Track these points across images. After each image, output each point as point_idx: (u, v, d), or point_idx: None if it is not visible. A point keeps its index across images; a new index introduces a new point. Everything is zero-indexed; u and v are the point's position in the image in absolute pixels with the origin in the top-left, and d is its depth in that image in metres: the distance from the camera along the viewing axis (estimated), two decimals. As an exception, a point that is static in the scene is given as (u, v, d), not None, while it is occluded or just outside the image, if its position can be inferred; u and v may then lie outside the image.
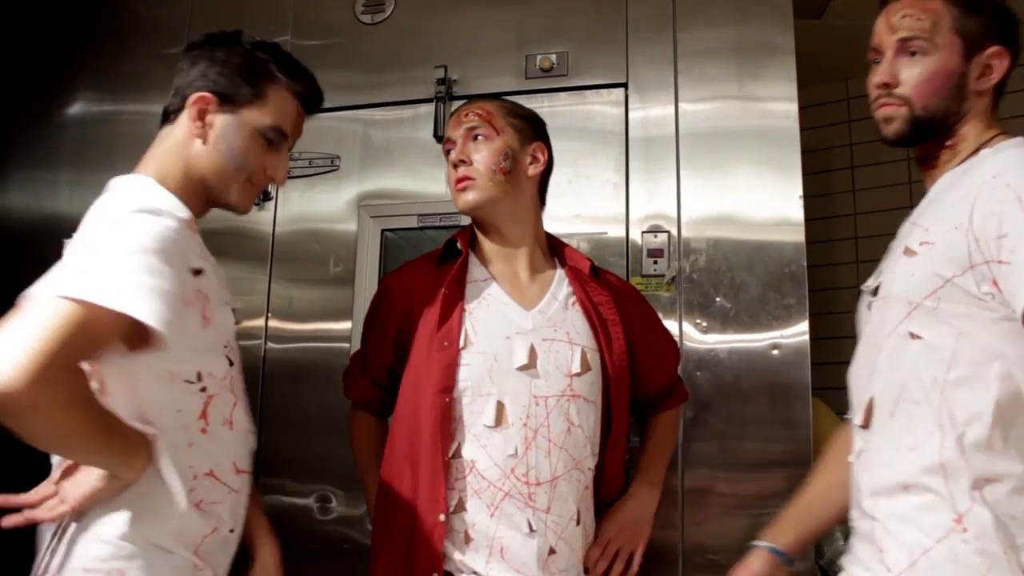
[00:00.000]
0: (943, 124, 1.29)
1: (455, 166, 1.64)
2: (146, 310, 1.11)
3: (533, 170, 1.69)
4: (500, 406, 1.51)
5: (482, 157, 1.62)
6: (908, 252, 1.24)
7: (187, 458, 1.28)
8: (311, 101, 1.49)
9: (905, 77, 1.29)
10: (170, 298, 1.16)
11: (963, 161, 1.29)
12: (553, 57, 2.43)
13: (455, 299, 1.58)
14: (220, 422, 1.34)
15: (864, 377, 1.29)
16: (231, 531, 1.36)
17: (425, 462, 1.48)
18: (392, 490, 1.54)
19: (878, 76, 1.31)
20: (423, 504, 1.47)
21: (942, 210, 1.23)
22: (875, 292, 1.33)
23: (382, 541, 1.54)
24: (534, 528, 1.47)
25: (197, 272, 1.31)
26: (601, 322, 1.62)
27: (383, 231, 2.48)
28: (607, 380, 1.60)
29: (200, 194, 1.39)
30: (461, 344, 1.54)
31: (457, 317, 1.55)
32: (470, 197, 1.62)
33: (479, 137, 1.63)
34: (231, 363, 1.38)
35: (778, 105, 2.21)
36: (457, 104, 2.45)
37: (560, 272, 1.69)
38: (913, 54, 1.29)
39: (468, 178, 1.61)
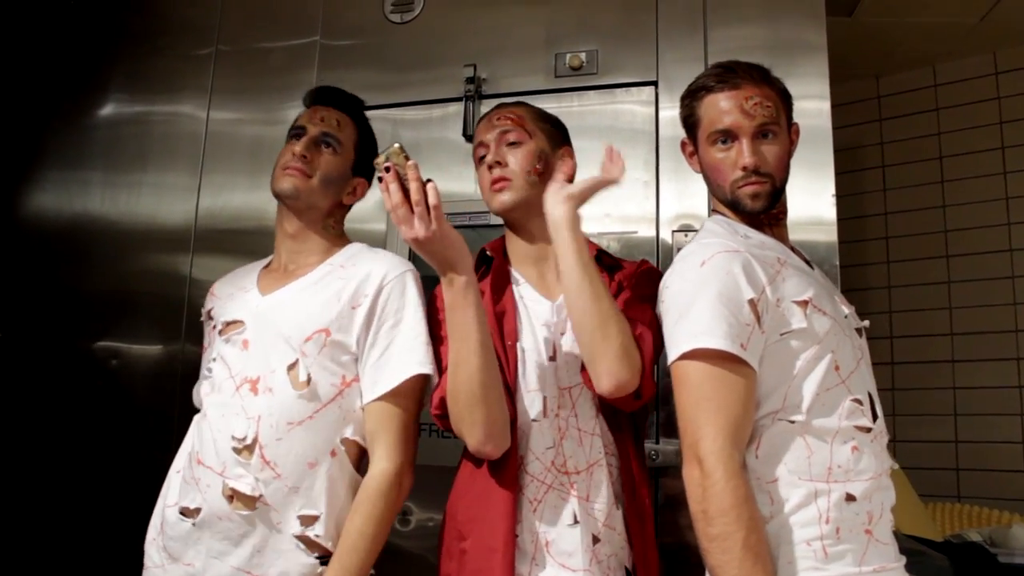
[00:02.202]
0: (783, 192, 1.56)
1: (490, 168, 1.65)
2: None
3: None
4: (544, 400, 1.53)
5: (516, 159, 1.64)
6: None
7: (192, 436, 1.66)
8: (310, 95, 1.80)
9: (765, 158, 1.49)
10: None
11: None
12: (583, 55, 2.43)
13: (502, 298, 1.61)
14: (202, 416, 1.63)
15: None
16: (183, 515, 1.55)
17: (512, 461, 1.49)
18: (465, 497, 1.56)
19: (748, 159, 1.47)
20: (510, 506, 1.47)
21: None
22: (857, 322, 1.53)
23: (456, 543, 1.55)
24: (578, 519, 1.48)
25: (209, 315, 1.76)
26: None
27: (412, 230, 2.48)
28: None
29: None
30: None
31: (512, 313, 1.58)
32: (506, 198, 1.63)
33: (512, 140, 1.66)
34: (210, 372, 1.66)
35: (810, 103, 2.18)
36: (487, 103, 2.47)
37: None
38: (766, 136, 1.49)
39: (504, 179, 1.63)
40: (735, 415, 1.33)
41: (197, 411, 1.79)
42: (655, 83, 2.36)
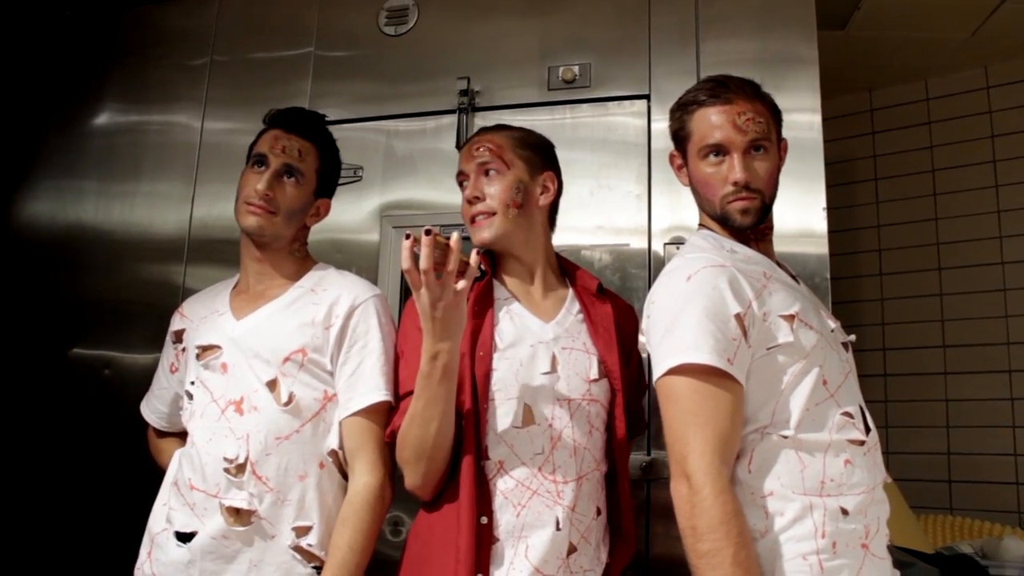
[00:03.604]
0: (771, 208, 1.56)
1: (469, 202, 1.69)
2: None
3: (544, 200, 1.73)
4: (527, 408, 1.54)
5: (495, 192, 1.66)
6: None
7: (176, 466, 1.68)
8: (274, 118, 1.77)
9: (756, 173, 1.50)
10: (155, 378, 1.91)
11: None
12: (576, 68, 2.44)
13: (483, 313, 1.62)
14: (190, 443, 1.66)
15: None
16: (180, 540, 1.57)
17: (469, 468, 1.50)
18: (431, 502, 1.57)
19: (739, 174, 1.48)
20: (470, 510, 1.48)
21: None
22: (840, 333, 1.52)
23: (422, 552, 1.56)
24: (560, 526, 1.50)
25: (178, 336, 1.80)
26: (605, 336, 1.67)
27: (405, 241, 2.49)
28: (613, 389, 1.65)
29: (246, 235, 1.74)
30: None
31: (488, 328, 1.59)
32: (486, 235, 1.66)
33: (491, 172, 1.68)
34: (191, 397, 1.69)
35: (801, 116, 2.20)
36: (480, 115, 2.48)
37: (571, 291, 1.74)
38: (758, 150, 1.50)
39: (483, 214, 1.66)
40: (722, 430, 1.32)
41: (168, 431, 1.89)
42: (647, 96, 2.38)
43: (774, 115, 1.56)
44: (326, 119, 1.84)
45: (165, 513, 1.63)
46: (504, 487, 1.51)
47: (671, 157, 1.64)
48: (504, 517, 1.50)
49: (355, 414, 1.61)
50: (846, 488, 1.35)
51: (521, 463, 1.52)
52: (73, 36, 3.07)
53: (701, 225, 1.61)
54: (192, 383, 1.69)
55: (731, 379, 1.34)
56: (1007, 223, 3.42)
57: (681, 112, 1.57)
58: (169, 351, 1.84)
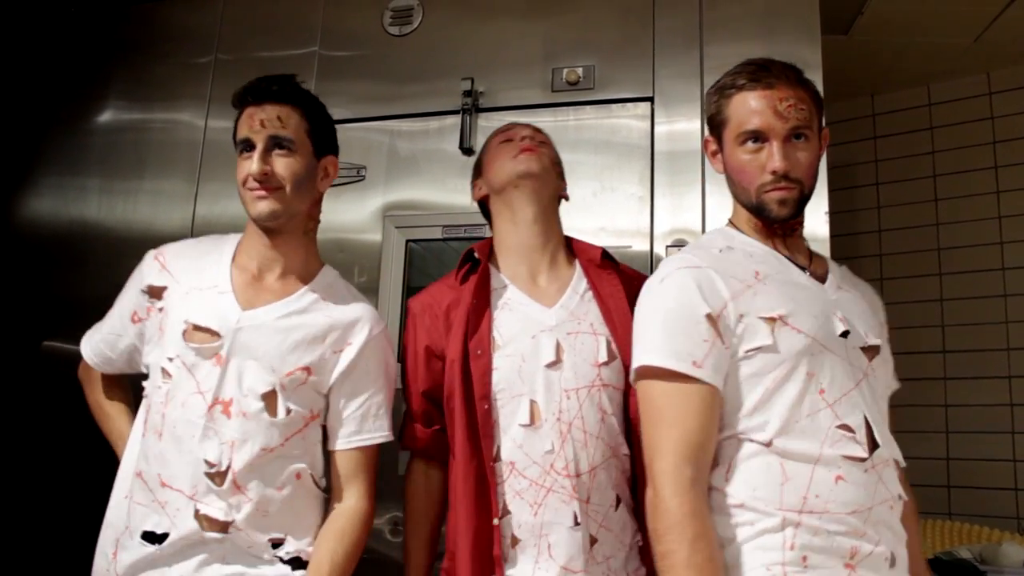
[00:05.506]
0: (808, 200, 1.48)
1: (526, 139, 1.79)
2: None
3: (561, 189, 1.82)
4: (533, 404, 1.54)
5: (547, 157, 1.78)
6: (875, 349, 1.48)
7: (137, 453, 1.56)
8: (240, 95, 1.65)
9: (797, 162, 1.41)
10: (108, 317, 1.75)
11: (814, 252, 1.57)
12: (580, 70, 2.44)
13: (481, 308, 1.61)
14: (152, 429, 1.54)
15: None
16: (148, 540, 1.49)
17: (469, 471, 1.51)
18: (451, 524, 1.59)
19: (778, 163, 1.40)
20: (471, 513, 1.49)
21: (867, 314, 1.54)
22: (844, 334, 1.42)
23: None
24: (579, 521, 1.50)
25: (155, 292, 1.64)
26: (616, 310, 1.64)
27: (408, 242, 2.49)
28: (626, 367, 1.61)
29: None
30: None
31: (487, 325, 1.59)
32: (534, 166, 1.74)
33: (542, 141, 1.81)
34: (166, 374, 1.54)
35: (805, 121, 2.20)
36: (484, 116, 2.49)
37: (578, 267, 1.73)
38: (799, 138, 1.42)
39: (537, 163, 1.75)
40: (688, 431, 1.30)
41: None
42: (651, 99, 2.38)
43: (816, 103, 1.48)
44: (296, 78, 1.71)
45: (127, 507, 1.53)
46: (518, 487, 1.51)
47: (705, 143, 1.57)
48: (522, 517, 1.50)
49: (360, 448, 1.62)
50: (833, 506, 1.28)
51: (532, 462, 1.52)
52: (77, 33, 3.07)
53: (729, 221, 1.56)
54: (171, 359, 1.55)
55: (698, 381, 1.31)
56: (1008, 229, 3.42)
57: (719, 96, 1.50)
58: (136, 298, 1.67)
